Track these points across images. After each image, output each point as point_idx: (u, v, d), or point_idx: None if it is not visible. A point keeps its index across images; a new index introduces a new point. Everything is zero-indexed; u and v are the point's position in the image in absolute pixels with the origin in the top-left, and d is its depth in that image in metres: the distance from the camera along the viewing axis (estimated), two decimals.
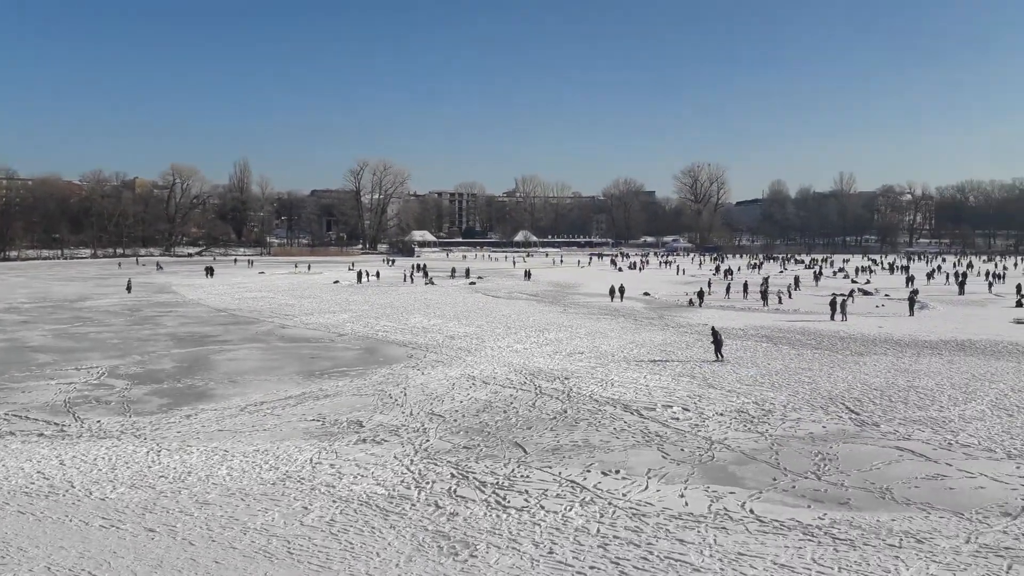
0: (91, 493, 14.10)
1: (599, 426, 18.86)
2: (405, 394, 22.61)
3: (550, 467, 15.62)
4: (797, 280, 63.57)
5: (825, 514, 12.86)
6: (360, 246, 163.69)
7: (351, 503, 13.57)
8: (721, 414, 20.01)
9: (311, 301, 52.38)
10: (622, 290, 53.41)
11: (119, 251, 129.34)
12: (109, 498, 13.84)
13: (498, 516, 12.89)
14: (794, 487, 14.36)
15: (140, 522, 12.66)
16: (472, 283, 69.99)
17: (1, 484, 14.59)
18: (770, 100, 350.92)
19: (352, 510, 13.22)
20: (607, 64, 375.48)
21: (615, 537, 11.97)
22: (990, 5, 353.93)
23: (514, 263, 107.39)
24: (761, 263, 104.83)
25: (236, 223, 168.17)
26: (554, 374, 25.52)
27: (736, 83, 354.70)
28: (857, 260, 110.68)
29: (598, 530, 12.25)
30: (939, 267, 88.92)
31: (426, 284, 68.72)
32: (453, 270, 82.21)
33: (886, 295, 56.16)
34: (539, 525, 12.47)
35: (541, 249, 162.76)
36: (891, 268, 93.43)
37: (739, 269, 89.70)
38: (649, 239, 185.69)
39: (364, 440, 17.71)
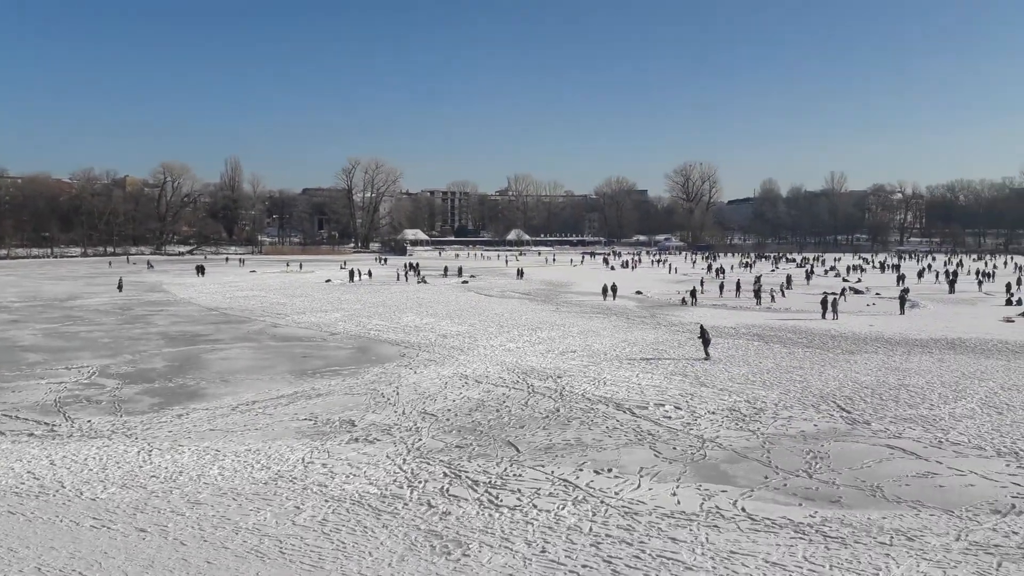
0: (82, 493, 14.03)
1: (591, 425, 18.89)
2: (397, 393, 22.59)
3: (543, 466, 15.63)
4: (789, 279, 63.75)
5: (816, 512, 12.91)
6: (352, 245, 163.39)
7: (343, 502, 13.55)
8: (713, 412, 20.06)
9: (303, 300, 52.26)
10: (614, 289, 53.48)
11: (110, 250, 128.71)
12: (100, 498, 13.78)
13: (491, 515, 12.90)
14: (785, 485, 14.41)
15: (131, 522, 12.61)
16: (465, 282, 69.94)
17: None
18: (761, 99, 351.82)
19: (344, 509, 13.21)
20: (599, 63, 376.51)
21: (607, 536, 11.99)
22: (982, 5, 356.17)
23: (507, 262, 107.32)
24: (753, 262, 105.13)
25: (227, 221, 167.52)
26: (547, 373, 25.54)
27: (728, 82, 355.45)
28: (848, 259, 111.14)
29: (591, 529, 12.27)
30: (929, 266, 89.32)
31: (418, 283, 68.65)
32: (446, 269, 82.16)
33: (877, 294, 56.42)
34: (532, 524, 12.48)
35: (534, 248, 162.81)
36: (882, 267, 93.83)
37: (732, 268, 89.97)
38: (641, 238, 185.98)
39: (356, 439, 17.68)
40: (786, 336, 34.52)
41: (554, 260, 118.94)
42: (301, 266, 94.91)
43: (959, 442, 17.14)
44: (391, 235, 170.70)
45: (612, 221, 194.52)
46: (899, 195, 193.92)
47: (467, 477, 14.93)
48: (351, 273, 73.47)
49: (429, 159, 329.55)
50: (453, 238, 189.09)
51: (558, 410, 20.41)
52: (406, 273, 75.19)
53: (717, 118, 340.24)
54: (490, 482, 14.63)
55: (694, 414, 19.90)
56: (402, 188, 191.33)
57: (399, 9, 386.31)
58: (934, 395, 22.04)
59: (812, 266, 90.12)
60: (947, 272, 71.55)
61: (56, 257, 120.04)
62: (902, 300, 46.34)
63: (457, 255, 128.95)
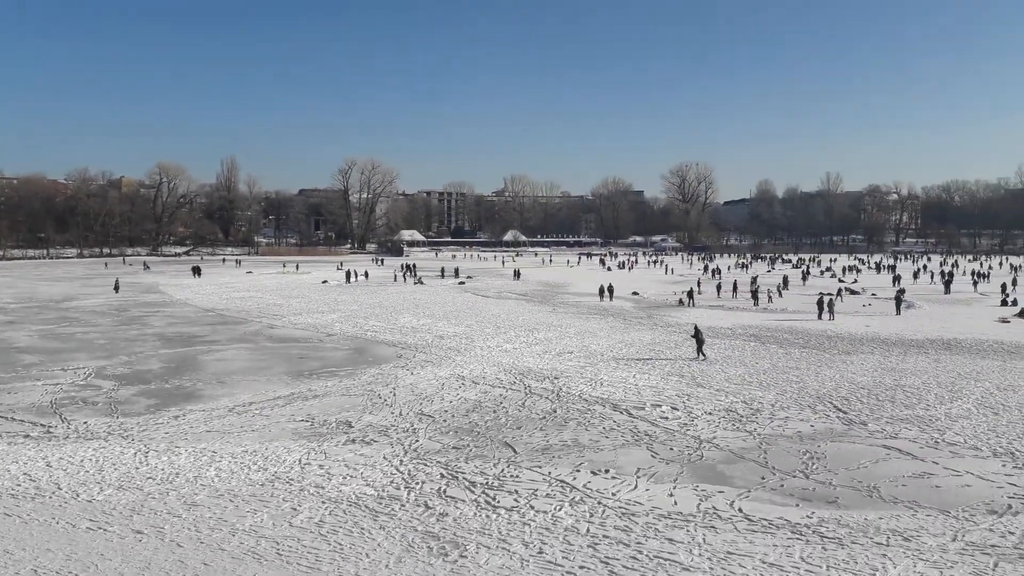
0: (78, 495, 14.00)
1: (588, 425, 18.89)
2: (394, 394, 22.57)
3: (540, 467, 15.63)
4: (786, 280, 63.83)
5: (813, 513, 12.93)
6: (349, 246, 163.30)
7: (340, 504, 13.54)
8: (710, 413, 20.08)
9: (299, 301, 52.21)
10: (611, 289, 53.52)
11: (105, 251, 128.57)
12: (96, 500, 13.74)
13: (488, 516, 12.90)
14: (782, 486, 14.43)
15: (128, 524, 12.59)
16: (461, 283, 69.93)
17: None
18: (756, 100, 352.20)
19: (341, 511, 13.19)
20: (596, 64, 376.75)
21: (605, 536, 11.99)
22: (980, 6, 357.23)
23: (503, 263, 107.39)
24: (749, 263, 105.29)
25: (223, 222, 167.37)
26: (543, 374, 25.54)
27: (723, 83, 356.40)
28: (844, 259, 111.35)
29: (588, 530, 12.27)
30: (925, 266, 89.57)
31: (415, 284, 68.62)
32: (442, 270, 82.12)
33: (873, 294, 56.51)
34: (529, 525, 12.48)
35: (530, 249, 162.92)
36: (878, 267, 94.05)
37: (729, 269, 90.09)
38: (638, 239, 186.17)
39: (353, 441, 17.66)
40: (782, 337, 34.57)
41: (551, 261, 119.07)
42: (297, 267, 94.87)
43: (955, 442, 17.18)
44: (388, 236, 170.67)
45: (608, 222, 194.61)
46: (895, 196, 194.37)
47: (464, 478, 14.93)
48: (348, 274, 73.39)
49: (426, 160, 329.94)
50: (450, 239, 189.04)
51: (555, 411, 20.42)
52: (405, 275, 75.13)
53: (713, 119, 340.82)
54: (487, 483, 14.62)
55: (691, 415, 19.91)
56: (399, 189, 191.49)
57: (395, 9, 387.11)
58: (930, 395, 22.09)
59: (808, 267, 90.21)
60: (943, 273, 71.67)
61: (52, 258, 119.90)
62: (898, 301, 46.45)
63: (454, 256, 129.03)
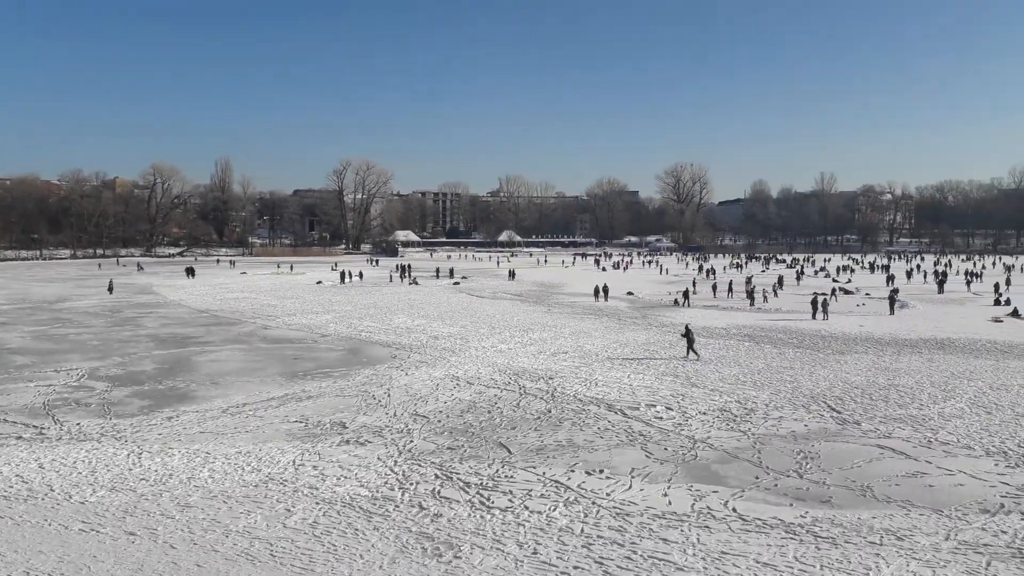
0: (71, 496, 13.94)
1: (583, 426, 18.89)
2: (389, 395, 22.55)
3: (534, 467, 15.63)
4: (781, 280, 64.01)
5: (807, 512, 12.95)
6: (343, 246, 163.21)
7: (334, 505, 13.51)
8: (704, 413, 20.10)
9: (294, 302, 52.12)
10: (606, 290, 53.55)
11: (99, 252, 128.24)
12: (89, 501, 13.69)
13: (482, 517, 12.88)
14: (776, 485, 14.45)
15: (120, 525, 12.54)
16: (456, 283, 69.91)
17: None
18: (751, 101, 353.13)
19: (335, 512, 13.16)
20: (591, 64, 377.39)
21: (599, 537, 11.99)
22: (973, 6, 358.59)
23: (498, 263, 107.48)
24: (743, 263, 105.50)
25: (218, 223, 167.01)
26: (538, 374, 25.54)
27: (718, 84, 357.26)
28: (838, 259, 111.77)
29: (582, 530, 12.27)
30: (918, 266, 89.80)
31: (410, 284, 68.57)
32: (437, 270, 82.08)
33: (867, 294, 56.68)
34: (523, 525, 12.47)
35: (525, 249, 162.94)
36: (871, 267, 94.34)
37: (724, 269, 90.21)
38: (633, 239, 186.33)
39: (347, 441, 17.63)
40: (777, 336, 34.63)
41: (546, 261, 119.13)
42: (292, 268, 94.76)
43: (948, 442, 17.23)
44: (382, 236, 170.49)
45: (603, 222, 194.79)
46: (888, 196, 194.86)
47: (458, 479, 14.92)
48: (342, 275, 73.33)
49: (420, 160, 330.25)
50: (445, 239, 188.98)
51: (550, 411, 20.41)
52: (402, 276, 75.04)
53: (707, 120, 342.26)
54: (481, 484, 14.61)
55: (685, 415, 19.93)
56: (393, 189, 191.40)
57: (388, 8, 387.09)
58: (924, 395, 22.15)
59: (802, 267, 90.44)
60: (936, 272, 71.95)
61: (45, 259, 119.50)
62: (892, 300, 46.60)
63: (449, 256, 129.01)
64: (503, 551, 11.47)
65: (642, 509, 13.19)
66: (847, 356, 29.17)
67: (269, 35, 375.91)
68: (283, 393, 22.88)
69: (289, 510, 13.25)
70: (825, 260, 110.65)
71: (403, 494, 14.07)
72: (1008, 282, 60.93)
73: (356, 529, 12.39)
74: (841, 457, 16.16)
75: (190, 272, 78.60)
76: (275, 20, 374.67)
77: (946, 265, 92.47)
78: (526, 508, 13.26)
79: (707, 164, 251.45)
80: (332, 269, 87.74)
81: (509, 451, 16.80)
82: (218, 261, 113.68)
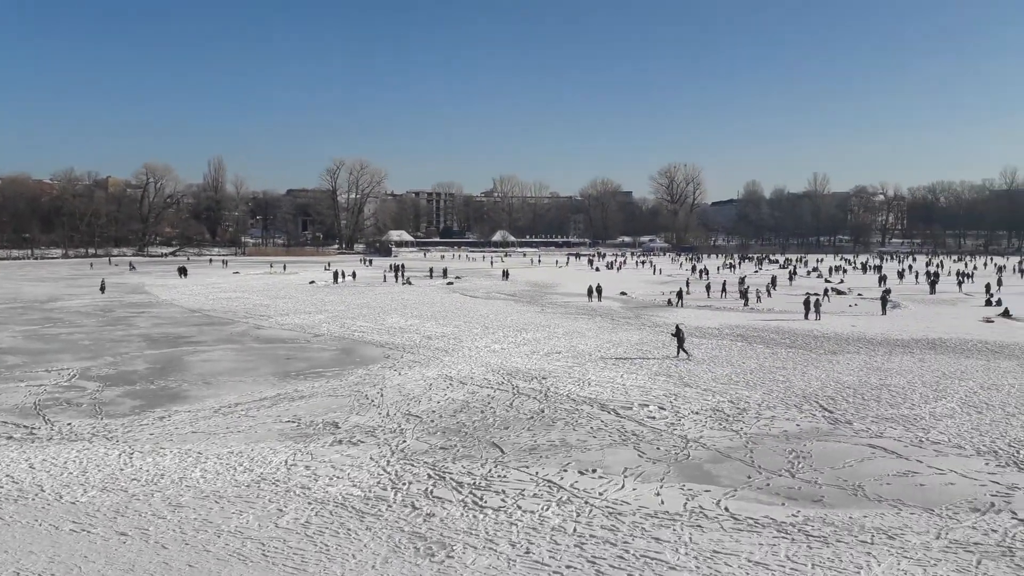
0: (61, 497, 13.88)
1: (576, 425, 18.91)
2: (382, 395, 22.52)
3: (527, 467, 15.63)
4: (774, 280, 64.19)
5: (799, 511, 12.99)
6: (336, 246, 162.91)
7: (327, 505, 13.49)
8: (696, 413, 20.14)
9: (286, 302, 52.01)
10: (599, 290, 53.59)
11: (91, 251, 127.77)
12: (80, 501, 13.64)
13: (475, 516, 12.88)
14: (768, 485, 14.49)
15: (112, 526, 12.49)
16: (450, 283, 69.87)
17: None
18: (745, 101, 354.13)
19: (328, 512, 13.14)
20: (589, 65, 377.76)
21: (592, 536, 12.00)
22: (963, 7, 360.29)
23: (492, 263, 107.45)
24: (735, 263, 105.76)
25: (210, 223, 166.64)
26: (531, 374, 25.55)
27: (712, 85, 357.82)
28: (830, 260, 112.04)
29: (575, 529, 12.28)
30: (910, 267, 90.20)
31: (403, 284, 68.49)
32: (431, 270, 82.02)
33: (859, 294, 56.86)
34: (516, 525, 12.47)
35: (519, 249, 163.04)
36: (864, 268, 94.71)
37: (718, 270, 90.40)
38: (626, 239, 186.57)
39: (340, 441, 17.60)
40: (769, 336, 34.72)
41: (539, 261, 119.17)
42: (285, 267, 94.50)
43: (939, 441, 17.30)
44: (376, 236, 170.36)
45: (597, 222, 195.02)
46: (881, 197, 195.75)
47: (451, 479, 14.91)
48: (335, 274, 73.19)
49: (414, 160, 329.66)
50: (438, 239, 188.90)
51: (543, 411, 20.42)
52: (396, 276, 74.96)
53: (701, 121, 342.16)
54: (474, 483, 14.61)
55: (678, 414, 19.97)
56: (387, 189, 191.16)
57: (383, 8, 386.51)
58: (915, 395, 22.24)
59: (795, 267, 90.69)
60: (928, 273, 72.19)
61: (37, 258, 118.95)
62: (884, 301, 46.76)
63: (442, 256, 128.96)
64: (496, 550, 11.47)
65: (635, 508, 13.21)
66: (839, 356, 29.27)
67: (261, 35, 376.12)
68: (275, 393, 22.82)
69: (281, 510, 13.22)
70: (818, 260, 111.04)
71: (396, 494, 14.05)
72: (999, 283, 61.17)
73: (349, 529, 12.37)
74: (833, 456, 16.21)
75: (182, 272, 78.32)
76: (268, 20, 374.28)
77: (938, 266, 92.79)
78: (519, 508, 13.27)
79: (700, 165, 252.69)
80: (325, 269, 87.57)
81: (502, 451, 16.80)
82: (211, 261, 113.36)
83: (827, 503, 13.44)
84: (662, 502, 13.54)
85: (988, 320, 40.75)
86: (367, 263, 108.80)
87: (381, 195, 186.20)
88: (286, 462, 15.98)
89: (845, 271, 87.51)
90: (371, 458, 16.25)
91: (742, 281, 62.54)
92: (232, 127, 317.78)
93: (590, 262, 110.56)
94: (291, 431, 18.54)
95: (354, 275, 76.77)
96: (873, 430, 18.31)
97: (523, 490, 14.18)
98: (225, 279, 74.90)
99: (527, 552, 11.41)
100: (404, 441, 17.58)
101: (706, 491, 14.08)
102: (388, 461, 16.05)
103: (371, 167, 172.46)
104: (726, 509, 13.14)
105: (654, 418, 19.59)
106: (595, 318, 42.22)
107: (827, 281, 70.54)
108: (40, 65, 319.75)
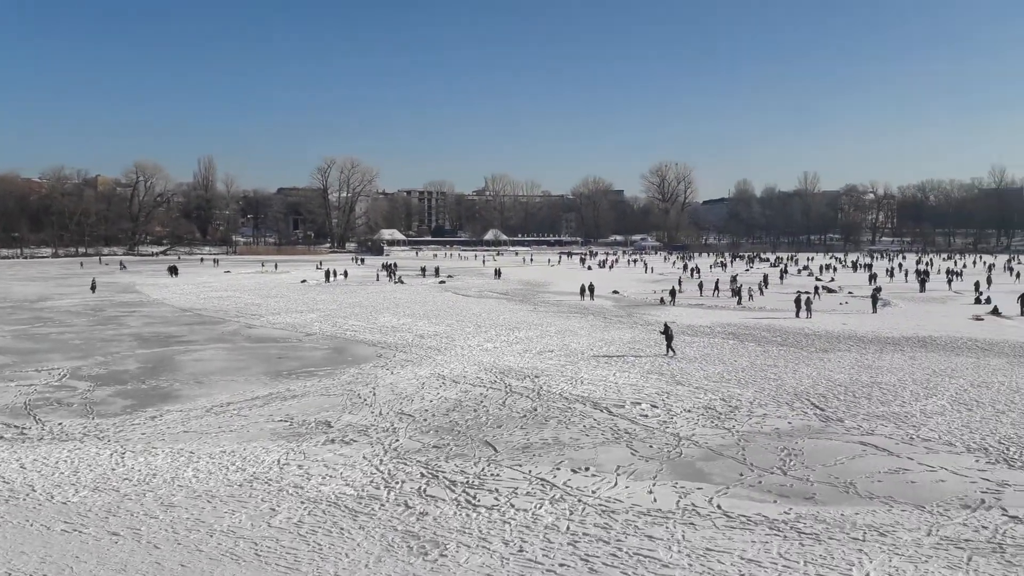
0: (52, 497, 13.81)
1: (569, 424, 18.93)
2: (374, 394, 22.49)
3: (520, 465, 15.64)
4: (766, 278, 64.41)
5: (791, 509, 13.04)
6: (328, 245, 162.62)
7: (319, 504, 13.46)
8: (689, 411, 20.19)
9: (278, 300, 51.86)
10: (591, 288, 53.65)
11: (81, 250, 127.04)
12: (71, 502, 13.57)
13: (468, 515, 12.88)
14: (760, 482, 14.54)
15: (103, 526, 12.44)
16: (442, 282, 69.81)
17: None
18: (736, 100, 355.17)
19: (321, 511, 13.12)
20: (578, 64, 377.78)
21: (585, 534, 12.02)
22: (953, 7, 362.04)
23: (484, 262, 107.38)
24: (727, 262, 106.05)
25: (201, 221, 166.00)
26: (524, 372, 25.56)
27: (703, 83, 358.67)
28: (821, 258, 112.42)
29: (568, 527, 12.30)
30: (900, 265, 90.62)
31: (395, 283, 68.39)
32: (423, 269, 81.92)
33: (850, 293, 57.11)
34: (509, 523, 12.48)
35: (511, 248, 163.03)
36: (854, 266, 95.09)
37: (710, 268, 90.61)
38: (618, 238, 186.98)
39: (333, 440, 17.57)
40: (761, 335, 34.84)
41: (531, 260, 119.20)
42: (276, 266, 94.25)
43: (930, 438, 17.40)
44: (367, 235, 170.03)
45: (589, 221, 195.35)
46: (871, 195, 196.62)
47: (444, 477, 14.91)
48: (327, 273, 73.05)
49: (406, 159, 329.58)
50: (430, 238, 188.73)
51: (535, 409, 20.43)
52: (389, 274, 74.80)
53: (692, 119, 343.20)
54: (467, 482, 14.61)
55: (670, 412, 20.01)
56: (378, 188, 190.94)
57: (378, 6, 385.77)
58: (906, 392, 22.36)
59: (786, 266, 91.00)
60: (918, 271, 72.57)
61: (26, 258, 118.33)
62: (874, 299, 46.98)
63: (435, 255, 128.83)
64: (489, 549, 11.48)
65: (627, 506, 13.24)
66: (830, 354, 29.39)
67: (252, 34, 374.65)
68: (268, 392, 22.76)
69: (274, 509, 13.19)
70: (808, 259, 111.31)
71: (389, 493, 14.04)
72: (989, 281, 61.50)
73: (342, 528, 12.36)
74: (824, 454, 16.28)
75: (173, 271, 77.98)
76: (259, 19, 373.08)
77: (928, 264, 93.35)
78: (512, 506, 13.28)
79: (692, 164, 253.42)
80: (317, 268, 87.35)
81: (495, 449, 16.81)
82: (201, 260, 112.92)
83: (819, 500, 13.50)
84: (655, 500, 13.57)
85: (978, 318, 40.98)
86: (359, 262, 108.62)
87: (372, 194, 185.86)
88: (279, 461, 15.94)
89: (836, 269, 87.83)
90: (364, 457, 16.23)
91: (734, 279, 62.69)
92: (222, 126, 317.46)
93: (582, 261, 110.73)
94: (283, 430, 18.49)
95: (346, 274, 76.61)
96: (864, 428, 18.40)
97: (516, 488, 14.20)
98: (216, 278, 74.62)
99: (520, 550, 11.43)
100: (397, 440, 17.57)
101: (698, 489, 14.12)
102: (381, 460, 16.03)
103: (362, 165, 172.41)
104: (718, 507, 13.19)
105: (646, 416, 19.63)
106: (587, 316, 42.26)
107: (818, 279, 70.74)
108: (40, 65, 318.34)
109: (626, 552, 11.32)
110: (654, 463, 15.78)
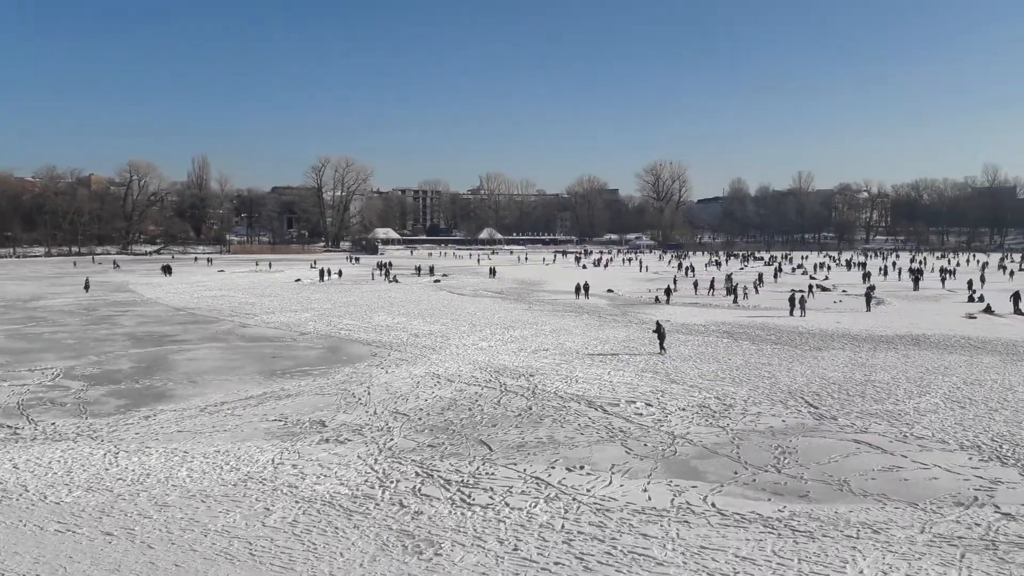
0: (46, 497, 13.77)
1: (564, 422, 18.94)
2: (369, 393, 22.46)
3: (515, 464, 15.65)
4: (761, 277, 64.53)
5: (785, 507, 13.08)
6: (322, 244, 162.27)
7: (314, 503, 13.45)
8: (683, 409, 20.22)
9: (272, 300, 51.76)
10: (586, 287, 53.67)
11: (74, 249, 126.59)
12: (65, 502, 13.53)
13: (463, 514, 12.89)
14: (754, 480, 14.57)
15: (97, 526, 12.41)
16: (437, 281, 69.77)
17: None
18: (730, 99, 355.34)
19: (315, 510, 13.11)
20: (573, 63, 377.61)
21: (579, 532, 12.04)
22: (946, 6, 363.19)
23: (479, 261, 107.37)
24: (721, 260, 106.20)
25: (195, 220, 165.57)
26: (519, 371, 25.56)
27: (697, 83, 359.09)
28: (815, 257, 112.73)
29: (563, 526, 12.31)
30: (894, 263, 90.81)
31: (390, 282, 68.32)
32: (418, 268, 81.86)
33: (843, 291, 57.22)
34: (504, 522, 12.49)
35: (506, 247, 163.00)
36: (848, 265, 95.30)
37: (706, 267, 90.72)
38: (613, 236, 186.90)
39: (327, 440, 17.55)
40: (755, 333, 34.90)
41: (526, 259, 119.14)
42: (270, 265, 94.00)
43: (923, 436, 17.47)
44: (362, 234, 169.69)
45: (584, 220, 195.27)
46: (865, 194, 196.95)
47: (439, 476, 14.90)
48: (321, 272, 72.92)
49: (400, 158, 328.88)
50: (425, 237, 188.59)
51: (530, 408, 20.44)
52: (383, 274, 74.71)
53: (686, 118, 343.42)
54: (462, 481, 14.61)
55: (665, 411, 20.04)
56: (373, 187, 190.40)
57: (375, 6, 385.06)
58: (899, 390, 22.43)
59: (780, 264, 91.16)
60: (911, 270, 72.78)
61: (19, 257, 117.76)
62: (868, 297, 47.08)
63: (429, 254, 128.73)
64: (484, 548, 11.48)
65: (622, 505, 13.26)
66: (824, 352, 29.46)
67: (251, 34, 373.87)
68: (262, 391, 22.72)
69: (268, 509, 13.17)
70: (802, 257, 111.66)
71: (383, 492, 14.03)
72: (982, 279, 61.77)
73: (336, 527, 12.35)
74: (818, 452, 16.33)
75: (167, 270, 77.76)
76: (259, 19, 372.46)
77: (921, 262, 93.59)
78: (507, 505, 13.28)
79: (686, 163, 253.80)
80: (311, 267, 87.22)
81: (490, 448, 16.81)
82: (195, 259, 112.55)
83: (813, 498, 13.54)
84: (649, 498, 13.59)
85: (971, 316, 41.12)
86: (353, 261, 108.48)
87: (367, 193, 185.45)
88: (273, 461, 15.92)
89: (830, 268, 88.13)
90: (358, 456, 16.22)
91: (729, 278, 62.78)
92: (220, 126, 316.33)
93: (577, 259, 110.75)
94: (278, 430, 18.46)
95: (340, 273, 76.50)
96: (858, 425, 18.45)
97: (511, 487, 14.20)
98: (210, 277, 74.44)
99: (515, 549, 11.43)
100: (392, 439, 17.55)
101: (693, 487, 14.15)
102: (376, 459, 16.02)
103: (357, 164, 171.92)
104: (713, 505, 13.22)
105: (641, 415, 19.66)
106: (582, 315, 42.29)
107: (812, 278, 70.92)
108: (39, 65, 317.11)
109: (621, 550, 11.34)
110: (649, 461, 15.81)
